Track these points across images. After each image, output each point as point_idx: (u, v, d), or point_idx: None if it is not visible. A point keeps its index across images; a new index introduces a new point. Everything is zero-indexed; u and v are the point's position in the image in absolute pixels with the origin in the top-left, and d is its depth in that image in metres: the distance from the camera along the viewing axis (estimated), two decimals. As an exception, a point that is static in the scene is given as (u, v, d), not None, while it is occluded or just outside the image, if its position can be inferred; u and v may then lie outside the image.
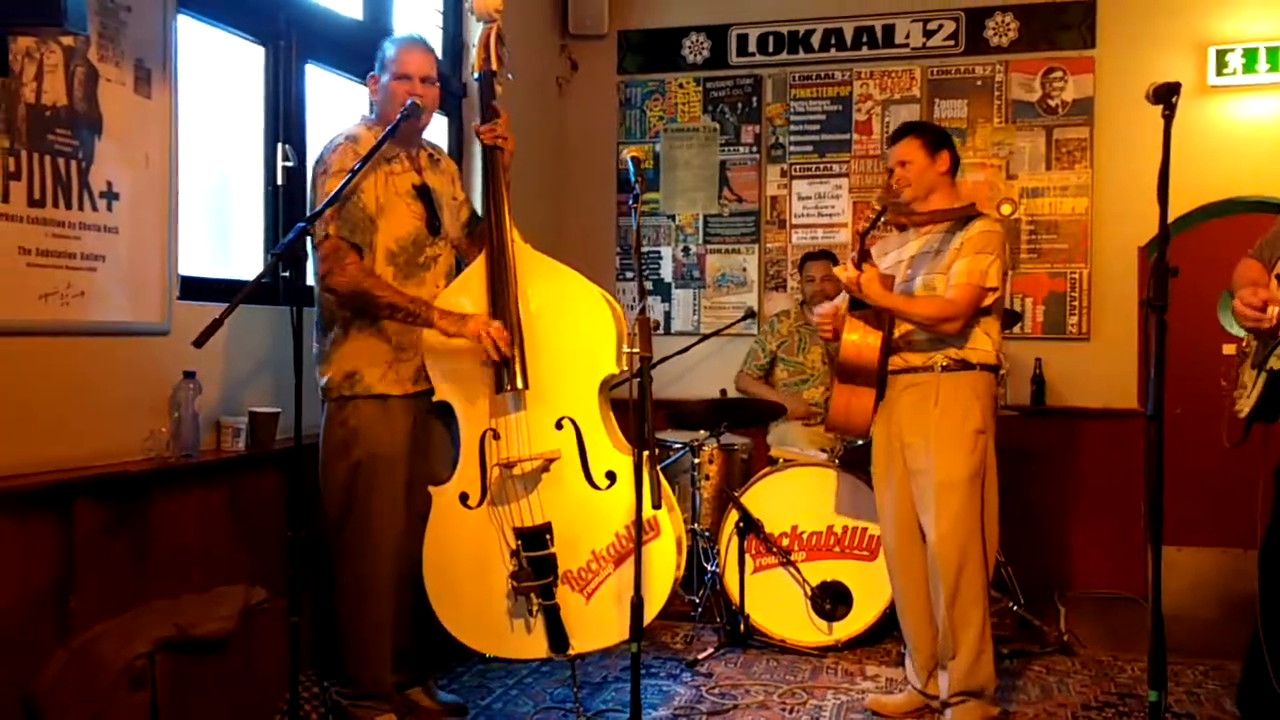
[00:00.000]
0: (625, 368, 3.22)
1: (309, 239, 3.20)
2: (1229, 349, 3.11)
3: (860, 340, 3.43)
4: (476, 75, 3.45)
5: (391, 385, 3.26)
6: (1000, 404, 4.04)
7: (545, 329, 3.28)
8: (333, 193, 3.04)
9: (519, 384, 3.21)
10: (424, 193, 3.36)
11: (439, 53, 4.96)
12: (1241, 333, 3.02)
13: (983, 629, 3.37)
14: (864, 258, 3.44)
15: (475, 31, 3.63)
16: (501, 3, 3.43)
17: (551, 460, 3.24)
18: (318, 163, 3.25)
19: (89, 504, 2.83)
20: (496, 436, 3.26)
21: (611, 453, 3.23)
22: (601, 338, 3.25)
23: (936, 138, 3.57)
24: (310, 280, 3.40)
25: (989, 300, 3.40)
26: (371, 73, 3.39)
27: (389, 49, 3.36)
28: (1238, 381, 3.04)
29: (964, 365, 3.41)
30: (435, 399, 3.30)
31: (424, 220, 3.34)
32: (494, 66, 3.42)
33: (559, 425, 3.24)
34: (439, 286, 3.37)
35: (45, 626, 2.73)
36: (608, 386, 3.33)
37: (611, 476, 3.22)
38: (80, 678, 2.67)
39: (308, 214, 3.17)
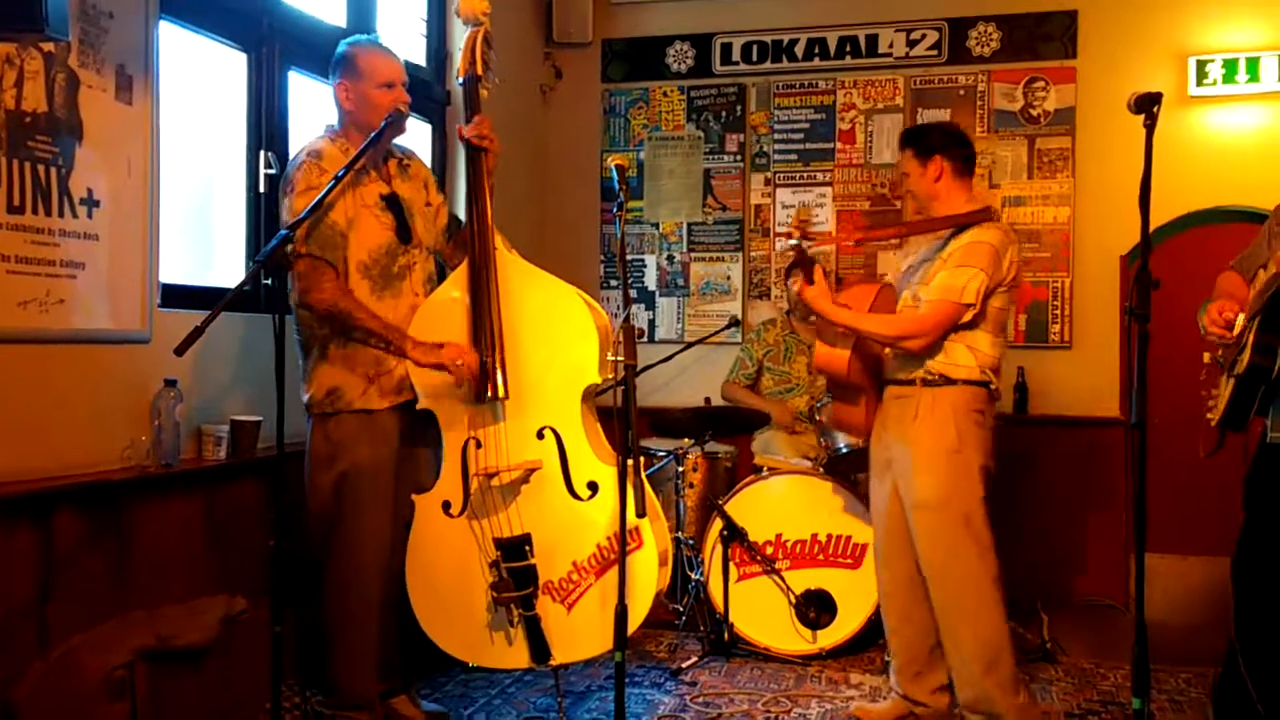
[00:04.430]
0: (609, 376, 3.21)
1: (288, 257, 3.18)
2: (1209, 358, 3.13)
3: (828, 351, 3.42)
4: (461, 80, 3.43)
5: (374, 399, 3.24)
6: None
7: (527, 337, 3.26)
8: (309, 207, 2.97)
9: (499, 393, 3.19)
10: (393, 202, 3.32)
11: (423, 60, 4.97)
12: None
13: (979, 648, 3.26)
14: (805, 269, 3.35)
15: (459, 36, 3.64)
16: (488, 5, 3.40)
17: (532, 470, 3.22)
18: (284, 181, 3.20)
19: (68, 513, 2.82)
20: (478, 445, 3.24)
21: (594, 463, 3.22)
22: (584, 346, 3.24)
23: (925, 145, 3.45)
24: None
25: (967, 316, 3.29)
26: (337, 80, 3.29)
27: (358, 55, 3.27)
28: (1213, 391, 3.08)
29: (946, 380, 3.33)
30: (418, 408, 3.29)
31: (394, 230, 3.30)
32: (479, 71, 3.40)
33: (540, 435, 3.23)
34: (417, 295, 3.35)
35: (24, 636, 2.71)
36: (591, 395, 3.32)
37: (593, 487, 3.20)
38: (59, 688, 2.66)
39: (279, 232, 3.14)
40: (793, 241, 3.46)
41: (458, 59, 3.46)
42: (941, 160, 3.42)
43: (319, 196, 2.99)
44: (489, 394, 3.19)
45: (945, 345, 3.33)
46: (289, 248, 3.05)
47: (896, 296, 3.50)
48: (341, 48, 3.33)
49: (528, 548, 3.21)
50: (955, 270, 3.29)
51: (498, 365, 3.20)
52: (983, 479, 3.34)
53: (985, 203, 3.47)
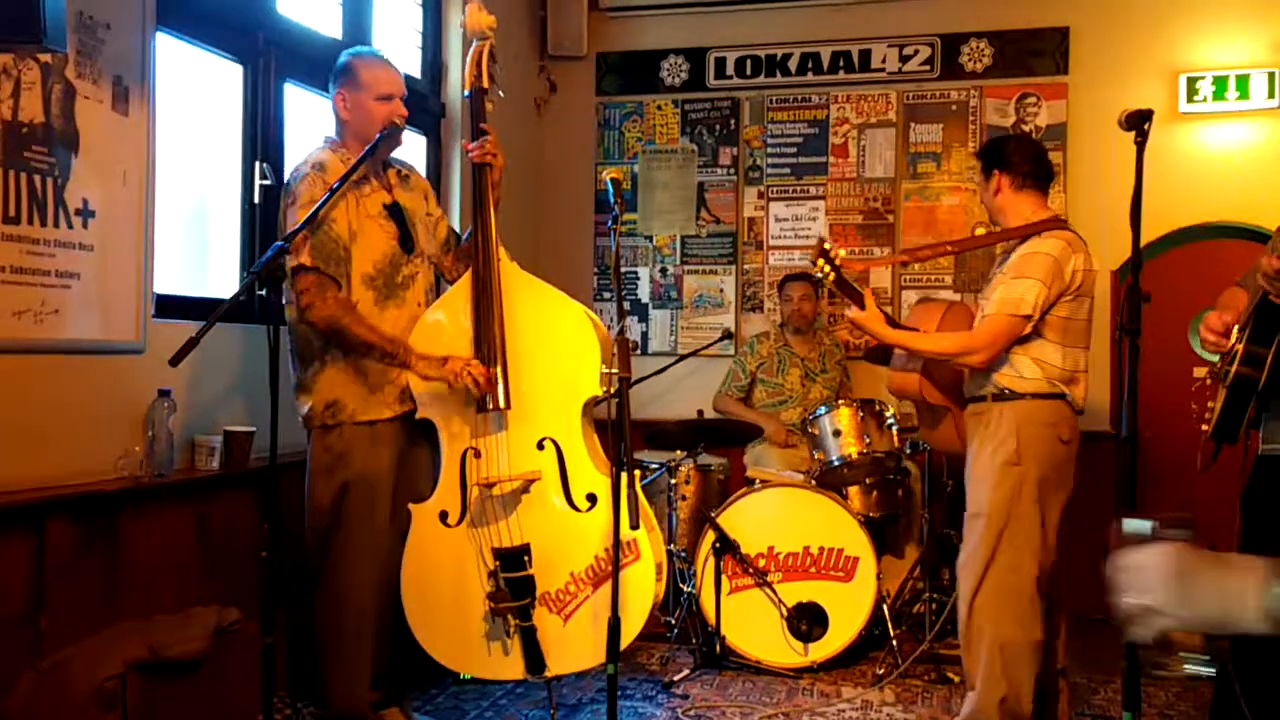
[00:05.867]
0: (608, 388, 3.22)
1: (283, 268, 3.18)
2: (1200, 372, 3.15)
3: (901, 376, 3.52)
4: (466, 93, 3.45)
5: (376, 410, 3.24)
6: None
7: (529, 349, 3.27)
8: (304, 220, 2.98)
9: (501, 404, 3.20)
10: (395, 211, 3.33)
11: (418, 73, 4.98)
12: (1214, 358, 3.07)
13: (987, 668, 3.23)
14: (851, 294, 3.39)
15: (455, 49, 3.66)
16: (494, 21, 3.43)
17: (532, 481, 3.23)
18: (286, 192, 3.21)
19: (62, 523, 2.81)
20: (478, 455, 3.24)
21: (593, 474, 3.23)
22: (586, 359, 3.25)
23: (986, 162, 3.47)
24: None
25: (1026, 329, 3.24)
26: (338, 89, 3.31)
27: (359, 66, 3.29)
28: (1209, 404, 3.09)
29: (1014, 395, 3.27)
30: (418, 417, 3.29)
31: (397, 239, 3.31)
32: (484, 84, 3.42)
33: (540, 446, 3.23)
34: (419, 304, 3.36)
35: (16, 646, 2.69)
36: (591, 407, 3.32)
37: (592, 498, 3.21)
38: (50, 699, 2.64)
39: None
40: (819, 275, 3.49)
41: (456, 72, 3.49)
42: (1000, 175, 3.42)
43: (314, 208, 3.00)
44: (491, 405, 3.20)
45: (1010, 358, 3.28)
46: (292, 262, 3.07)
47: (971, 315, 3.46)
48: (344, 58, 3.35)
49: (526, 558, 3.22)
50: (1012, 282, 3.26)
51: (500, 376, 3.21)
52: (1040, 492, 3.27)
53: (1053, 213, 3.46)
